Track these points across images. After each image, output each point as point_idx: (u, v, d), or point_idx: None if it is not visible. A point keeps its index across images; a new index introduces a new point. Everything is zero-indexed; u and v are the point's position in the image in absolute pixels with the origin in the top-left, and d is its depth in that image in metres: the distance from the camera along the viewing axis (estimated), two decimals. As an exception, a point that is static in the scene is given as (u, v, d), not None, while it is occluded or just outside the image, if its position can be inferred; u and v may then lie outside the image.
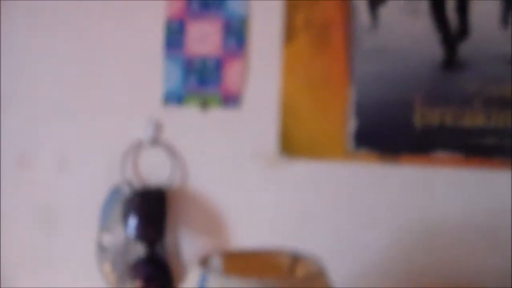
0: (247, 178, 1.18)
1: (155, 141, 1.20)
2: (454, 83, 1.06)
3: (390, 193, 1.11)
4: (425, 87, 1.07)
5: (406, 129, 1.08)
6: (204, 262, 0.86)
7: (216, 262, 0.85)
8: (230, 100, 1.16)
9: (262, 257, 0.92)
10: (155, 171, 1.21)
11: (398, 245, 1.11)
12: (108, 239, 1.23)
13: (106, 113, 1.25)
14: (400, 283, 1.09)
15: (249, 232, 1.17)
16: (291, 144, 1.14)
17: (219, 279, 0.79)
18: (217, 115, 1.18)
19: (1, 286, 1.32)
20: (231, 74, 1.16)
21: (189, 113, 1.19)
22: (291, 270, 0.92)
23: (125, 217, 1.19)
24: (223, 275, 0.81)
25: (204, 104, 1.18)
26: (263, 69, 1.15)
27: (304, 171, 1.15)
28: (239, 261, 0.89)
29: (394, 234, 1.11)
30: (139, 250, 1.20)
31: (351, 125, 1.11)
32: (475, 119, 1.04)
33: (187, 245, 1.21)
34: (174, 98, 1.19)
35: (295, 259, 0.92)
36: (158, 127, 1.20)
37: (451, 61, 1.05)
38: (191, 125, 1.20)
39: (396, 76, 1.08)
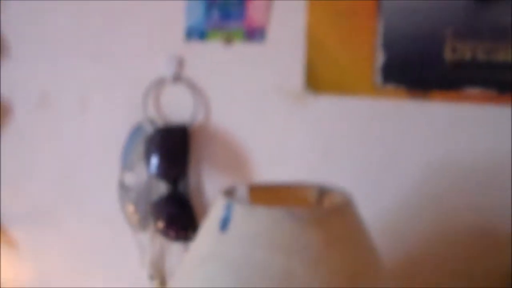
0: (271, 113, 1.15)
1: (177, 77, 1.18)
2: (488, 15, 1.01)
3: (418, 130, 1.08)
4: (456, 19, 1.02)
5: (436, 64, 1.04)
6: (229, 193, 0.84)
7: (242, 192, 0.83)
8: (254, 34, 1.13)
9: (289, 189, 0.90)
10: (177, 108, 1.19)
11: (426, 183, 1.08)
12: (130, 179, 1.21)
13: (127, 50, 1.22)
14: (427, 224, 1.07)
15: (273, 169, 1.15)
16: (317, 79, 1.11)
17: (245, 208, 0.77)
18: (241, 50, 1.14)
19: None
20: (255, 7, 1.12)
21: (212, 49, 1.16)
22: (319, 202, 0.89)
23: (147, 156, 1.17)
24: (249, 204, 0.79)
25: (228, 39, 1.14)
26: (288, 1, 1.11)
27: (330, 107, 1.12)
28: (265, 193, 0.87)
29: (421, 172, 1.08)
30: (162, 189, 1.18)
31: (379, 59, 1.07)
32: (508, 54, 1.00)
33: (210, 183, 1.19)
34: (197, 33, 1.16)
35: (323, 192, 0.89)
36: (180, 63, 1.17)
37: (485, -9, 1.01)
38: (214, 61, 1.16)
39: (427, 7, 1.04)
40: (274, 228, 0.75)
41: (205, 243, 0.81)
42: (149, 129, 1.18)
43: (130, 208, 1.20)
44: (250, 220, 0.76)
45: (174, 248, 1.23)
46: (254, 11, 1.13)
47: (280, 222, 0.75)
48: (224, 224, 0.78)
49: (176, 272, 0.96)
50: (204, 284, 0.77)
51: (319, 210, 0.81)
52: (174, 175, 1.16)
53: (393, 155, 1.09)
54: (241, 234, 0.76)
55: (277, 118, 1.15)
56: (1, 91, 1.30)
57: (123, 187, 1.20)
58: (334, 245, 0.77)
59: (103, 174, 1.25)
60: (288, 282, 0.73)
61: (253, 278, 0.74)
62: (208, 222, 0.82)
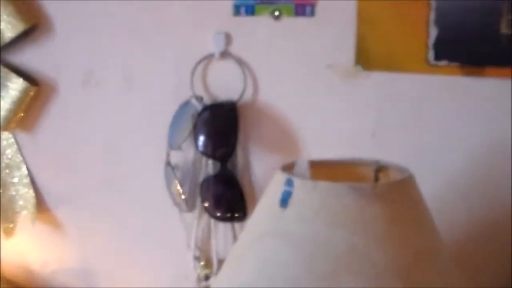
0: (320, 91, 1.13)
1: (225, 54, 1.16)
2: (546, -12, 0.98)
3: (473, 108, 1.05)
4: (513, -7, 1.00)
5: (491, 39, 1.02)
6: (288, 169, 0.82)
7: (302, 168, 0.81)
8: (304, 9, 1.11)
9: (346, 166, 0.88)
10: (225, 85, 1.17)
11: (481, 163, 1.06)
12: (177, 158, 1.20)
13: (173, 26, 1.20)
14: (481, 207, 1.05)
15: (323, 148, 1.13)
16: (368, 56, 1.09)
17: (307, 183, 0.75)
18: (290, 25, 1.12)
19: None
20: (305, -19, 1.10)
21: (261, 24, 1.13)
22: (377, 179, 0.87)
23: (195, 134, 1.15)
24: (311, 180, 0.77)
25: (277, 13, 1.12)
26: (339, -25, 1.09)
27: (381, 84, 1.09)
28: (323, 170, 0.85)
29: (476, 152, 1.06)
30: (209, 167, 1.17)
31: (432, 35, 1.05)
32: None
33: (258, 161, 1.18)
34: (244, 8, 1.14)
35: (381, 168, 0.87)
36: (228, 39, 1.16)
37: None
38: (262, 37, 1.14)
39: (482, -20, 1.01)
40: (337, 203, 0.73)
41: (263, 220, 0.79)
42: (196, 107, 1.16)
43: (177, 187, 1.19)
44: (312, 196, 0.74)
45: (221, 229, 1.22)
46: (304, -14, 1.10)
47: (343, 197, 0.73)
48: (285, 200, 0.76)
49: (231, 249, 0.94)
50: (264, 261, 0.76)
51: (382, 185, 0.79)
52: (223, 153, 1.14)
53: (447, 134, 1.07)
54: (303, 210, 0.75)
55: (327, 96, 1.13)
56: (46, 71, 1.29)
57: (169, 166, 1.19)
58: (398, 220, 0.75)
59: (149, 153, 1.24)
60: (352, 258, 0.71)
61: (316, 254, 0.72)
62: (266, 198, 0.80)
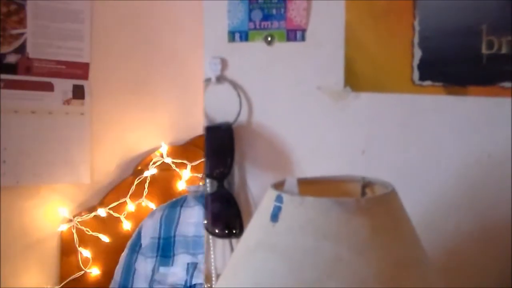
0: (312, 111, 1.18)
1: (221, 78, 1.22)
2: (522, 10, 1.03)
3: (456, 125, 1.10)
4: (492, 14, 1.05)
5: (473, 60, 1.07)
6: (279, 186, 0.87)
7: (291, 185, 0.86)
8: (295, 34, 1.17)
9: (334, 182, 0.94)
10: (221, 108, 1.23)
11: (464, 178, 1.10)
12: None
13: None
14: (465, 219, 1.09)
15: (314, 166, 1.18)
16: (357, 77, 1.14)
17: (295, 199, 0.81)
18: (282, 50, 1.18)
19: None
20: (296, 7, 1.16)
21: (254, 49, 1.20)
22: (363, 194, 0.93)
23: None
24: (299, 195, 0.83)
25: (269, 39, 1.18)
26: (328, 0, 1.14)
27: (370, 104, 1.15)
28: (312, 186, 0.91)
29: (459, 167, 1.10)
30: (207, 186, 1.22)
31: (416, 56, 1.10)
32: (544, 48, 1.02)
33: (254, 180, 1.23)
34: (239, 35, 1.20)
35: (366, 184, 0.93)
36: (223, 64, 1.21)
37: (520, -14, 1.03)
38: (256, 61, 1.20)
39: (462, 4, 1.06)
40: (322, 217, 0.79)
41: (256, 234, 0.85)
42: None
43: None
44: (300, 210, 0.80)
45: (219, 245, 1.26)
46: (295, 12, 1.16)
47: (328, 211, 0.79)
48: (275, 214, 0.81)
49: (228, 262, 0.99)
50: (256, 271, 0.81)
51: (364, 200, 0.85)
52: (220, 173, 1.20)
53: (432, 150, 1.12)
54: (291, 224, 0.80)
55: (318, 116, 1.18)
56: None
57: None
58: (380, 233, 0.80)
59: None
60: (337, 267, 0.77)
61: (304, 264, 0.77)
62: (259, 213, 0.86)
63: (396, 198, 0.85)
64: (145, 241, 1.29)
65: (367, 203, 0.81)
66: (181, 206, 1.31)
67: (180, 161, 2.36)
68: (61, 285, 2.25)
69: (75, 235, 2.25)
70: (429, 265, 0.85)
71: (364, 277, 0.76)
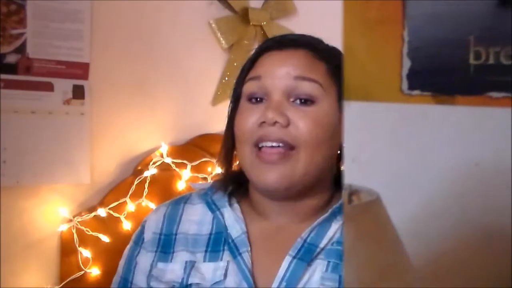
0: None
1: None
2: (511, 20, 1.05)
3: (445, 134, 1.11)
4: (480, 25, 1.06)
5: (461, 70, 1.08)
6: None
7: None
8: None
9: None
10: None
11: (453, 187, 1.12)
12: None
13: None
14: (455, 226, 1.11)
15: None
16: (347, 87, 1.16)
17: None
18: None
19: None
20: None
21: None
22: (351, 201, 0.95)
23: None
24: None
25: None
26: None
27: (359, 113, 1.16)
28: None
29: (448, 175, 1.12)
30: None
31: (405, 66, 1.12)
32: (531, 58, 1.04)
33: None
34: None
35: (354, 191, 0.95)
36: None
37: (508, -2, 1.05)
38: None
39: (450, 14, 1.08)
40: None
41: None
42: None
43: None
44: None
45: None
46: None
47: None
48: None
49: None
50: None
51: (349, 207, 0.87)
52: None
53: (421, 158, 1.13)
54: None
55: (310, 125, 1.21)
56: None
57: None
58: (364, 239, 0.83)
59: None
60: (321, 275, 0.79)
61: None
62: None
63: (380, 206, 0.88)
64: (148, 235, 1.31)
65: (351, 210, 0.84)
66: (185, 203, 1.33)
67: (180, 161, 2.38)
68: (61, 285, 2.27)
69: (75, 235, 2.27)
70: (413, 272, 0.88)
71: (347, 285, 0.79)
